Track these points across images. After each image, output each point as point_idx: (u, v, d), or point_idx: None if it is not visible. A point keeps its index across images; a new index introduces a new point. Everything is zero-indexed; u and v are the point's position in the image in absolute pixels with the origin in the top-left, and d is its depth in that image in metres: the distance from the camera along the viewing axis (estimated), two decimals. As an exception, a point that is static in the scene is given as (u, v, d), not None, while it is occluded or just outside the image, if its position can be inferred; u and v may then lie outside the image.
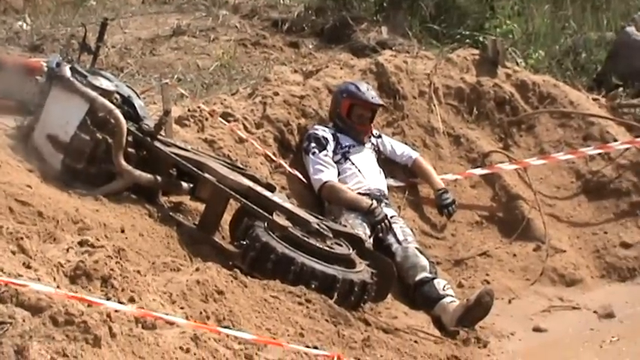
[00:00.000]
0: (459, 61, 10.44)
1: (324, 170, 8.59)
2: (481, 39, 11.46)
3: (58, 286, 4.79)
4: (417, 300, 7.82)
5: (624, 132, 10.03)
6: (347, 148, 8.73)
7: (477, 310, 7.47)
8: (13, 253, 5.06)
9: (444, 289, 7.78)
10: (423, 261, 7.95)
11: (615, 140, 9.81)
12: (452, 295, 7.80)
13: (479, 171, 9.54)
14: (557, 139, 9.83)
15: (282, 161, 8.81)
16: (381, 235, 8.20)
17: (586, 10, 13.39)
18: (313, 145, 8.68)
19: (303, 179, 8.73)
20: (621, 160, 9.53)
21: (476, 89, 10.09)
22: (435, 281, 7.83)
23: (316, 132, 8.85)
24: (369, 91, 8.97)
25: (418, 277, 7.82)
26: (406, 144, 9.40)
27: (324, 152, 8.66)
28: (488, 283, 8.42)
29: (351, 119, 8.83)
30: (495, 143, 9.82)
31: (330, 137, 8.77)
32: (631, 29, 11.41)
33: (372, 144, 8.99)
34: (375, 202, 8.47)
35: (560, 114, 10.09)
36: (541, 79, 10.56)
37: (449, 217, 8.96)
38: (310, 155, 8.71)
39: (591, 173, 9.56)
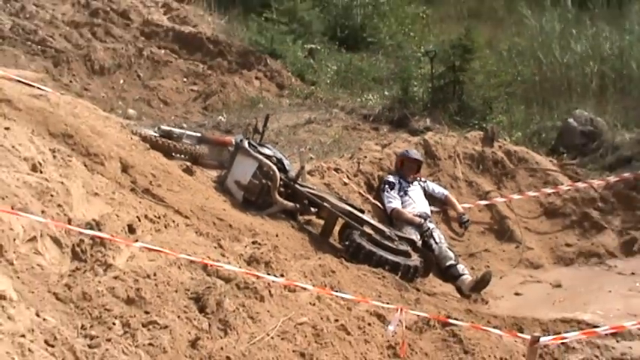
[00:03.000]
0: (471, 138, 12.73)
1: (392, 201, 10.85)
2: (484, 125, 13.89)
3: (240, 267, 6.32)
4: (447, 277, 10.22)
5: (567, 179, 12.35)
6: (405, 187, 11.06)
7: (482, 283, 9.91)
8: (215, 247, 6.79)
9: (462, 271, 10.25)
10: (451, 254, 10.42)
11: (562, 184, 12.14)
12: (467, 274, 10.20)
13: (483, 202, 11.80)
14: (529, 183, 12.24)
15: (368, 196, 11.05)
16: (426, 239, 10.53)
17: (544, 108, 15.56)
18: (386, 186, 11.04)
19: (381, 206, 10.97)
20: (565, 196, 11.99)
21: (481, 155, 12.44)
22: (458, 266, 10.31)
23: (388, 178, 11.17)
24: (413, 152, 11.48)
25: (448, 263, 10.31)
26: (441, 186, 11.68)
27: (393, 190, 10.96)
28: (488, 267, 10.74)
29: (404, 169, 11.28)
30: (493, 186, 12.18)
31: (395, 181, 11.10)
32: (571, 120, 13.86)
33: (421, 185, 11.20)
34: (422, 220, 10.75)
35: (530, 169, 12.49)
36: (519, 149, 12.83)
37: (465, 229, 11.23)
38: (384, 192, 10.99)
39: (548, 203, 12.03)
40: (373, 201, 11.02)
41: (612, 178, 12.04)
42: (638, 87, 15.77)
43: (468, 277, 10.14)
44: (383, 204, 11.04)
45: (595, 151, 13.34)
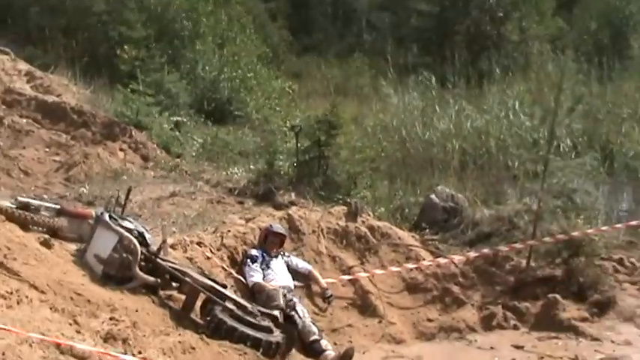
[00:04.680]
0: (335, 213, 12.83)
1: (254, 275, 10.73)
2: (348, 200, 13.75)
3: (95, 344, 6.19)
4: (310, 352, 10.06)
5: (429, 255, 12.59)
6: (268, 261, 11.00)
7: (345, 358, 9.88)
8: (70, 324, 6.60)
9: (325, 346, 10.14)
10: (315, 328, 10.28)
11: (424, 259, 12.35)
12: (330, 350, 10.09)
13: (346, 277, 11.80)
14: (391, 259, 12.33)
15: (231, 270, 10.90)
16: (289, 311, 10.40)
17: (407, 184, 15.95)
18: (248, 260, 10.93)
19: (244, 281, 10.78)
20: (427, 271, 12.16)
21: (345, 229, 12.51)
22: (322, 341, 10.18)
23: (250, 252, 11.05)
24: (276, 226, 11.50)
25: (311, 338, 10.16)
26: (305, 261, 11.66)
27: (255, 264, 10.86)
28: (351, 342, 10.71)
29: (267, 243, 11.25)
30: (356, 261, 12.24)
31: (258, 254, 10.99)
32: (433, 196, 14.24)
33: (284, 260, 11.22)
34: (285, 290, 10.66)
35: (393, 244, 12.60)
36: (382, 224, 12.94)
37: (329, 304, 11.23)
38: (246, 266, 10.93)
39: (410, 279, 12.14)
40: (236, 275, 10.89)
41: (472, 254, 12.38)
42: (497, 164, 16.37)
43: (331, 353, 10.09)
44: (245, 278, 10.94)
45: (456, 226, 13.75)
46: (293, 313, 10.49)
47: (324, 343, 10.26)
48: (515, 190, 15.40)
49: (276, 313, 9.95)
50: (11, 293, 6.79)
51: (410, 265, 12.20)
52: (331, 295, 11.31)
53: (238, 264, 11.18)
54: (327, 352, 10.10)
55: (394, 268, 12.11)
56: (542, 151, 13.67)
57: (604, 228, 13.35)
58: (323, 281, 11.49)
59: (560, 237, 12.39)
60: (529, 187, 13.87)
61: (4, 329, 5.49)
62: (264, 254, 11.12)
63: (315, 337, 10.28)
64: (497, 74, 26.67)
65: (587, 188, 13.64)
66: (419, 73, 25.90)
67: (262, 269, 10.93)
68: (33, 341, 5.61)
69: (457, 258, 12.33)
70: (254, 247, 11.34)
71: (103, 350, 6.02)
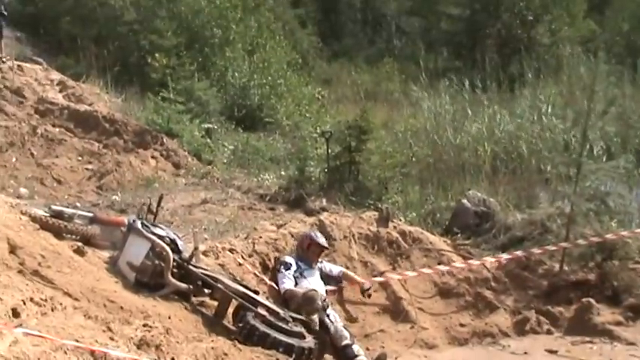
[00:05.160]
0: (366, 218, 12.78)
1: (286, 282, 10.67)
2: (379, 206, 13.82)
3: (129, 351, 6.20)
4: (342, 358, 10.07)
5: (461, 259, 12.46)
6: (303, 270, 10.89)
7: None
8: (104, 331, 6.59)
9: (358, 352, 10.09)
10: (346, 333, 10.23)
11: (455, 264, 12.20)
12: (363, 355, 10.09)
13: (378, 279, 11.74)
14: (423, 263, 12.24)
15: (263, 276, 10.89)
16: (322, 317, 10.30)
17: (439, 189, 15.86)
18: (282, 266, 10.85)
19: (275, 287, 10.73)
20: (459, 276, 12.14)
21: (376, 235, 12.46)
22: (354, 346, 10.12)
23: (284, 258, 10.96)
24: (322, 238, 11.26)
25: (343, 343, 10.11)
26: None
27: (288, 271, 10.78)
28: (383, 347, 10.73)
29: (308, 253, 11.09)
30: (387, 266, 12.20)
31: (292, 262, 10.90)
32: (465, 201, 14.07)
33: (318, 266, 11.16)
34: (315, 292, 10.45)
35: (424, 249, 12.55)
36: (414, 229, 12.92)
37: (369, 297, 11.20)
38: (279, 272, 10.86)
39: (442, 284, 12.09)
40: (269, 282, 10.90)
41: (505, 256, 12.30)
42: (529, 168, 16.21)
43: (363, 359, 10.11)
44: (277, 284, 10.91)
45: (488, 231, 13.55)
46: (325, 317, 10.45)
47: (356, 348, 10.22)
48: (548, 194, 15.17)
49: (315, 317, 10.04)
50: (45, 300, 6.80)
51: (442, 267, 12.19)
52: (370, 287, 11.31)
53: (270, 270, 11.18)
54: (359, 358, 10.09)
55: (426, 270, 12.09)
56: (575, 154, 13.60)
57: (638, 230, 13.05)
58: (358, 277, 11.56)
59: (594, 240, 12.29)
60: (562, 190, 13.83)
61: (39, 336, 5.52)
62: (301, 263, 11.04)
63: (347, 341, 10.23)
64: (529, 77, 26.35)
65: (620, 191, 13.55)
66: (449, 77, 25.71)
67: (295, 277, 10.86)
68: (67, 348, 5.61)
69: (490, 260, 12.29)
70: (288, 254, 11.29)
71: (136, 357, 6.04)
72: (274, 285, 10.84)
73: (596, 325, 11.29)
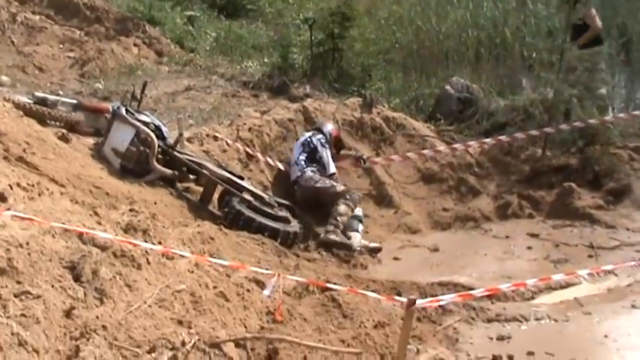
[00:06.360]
0: (350, 105, 12.93)
1: (332, 163, 11.10)
2: (363, 92, 13.94)
3: (116, 235, 6.17)
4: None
5: (444, 145, 12.55)
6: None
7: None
8: (91, 215, 6.60)
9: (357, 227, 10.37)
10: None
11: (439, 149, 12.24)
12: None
13: (365, 166, 11.81)
14: (407, 149, 12.35)
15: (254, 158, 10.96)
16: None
17: (422, 75, 15.84)
18: (327, 144, 11.17)
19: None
20: (442, 161, 12.26)
21: (360, 121, 12.63)
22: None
23: (320, 138, 11.20)
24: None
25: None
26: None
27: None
28: (367, 233, 10.71)
29: (335, 145, 11.45)
30: (371, 152, 12.29)
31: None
32: (448, 87, 14.05)
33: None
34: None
35: (408, 135, 12.75)
36: (397, 115, 13.07)
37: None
38: (323, 146, 11.17)
39: (426, 169, 12.26)
40: (273, 162, 11.26)
41: (489, 141, 12.32)
42: (512, 55, 16.08)
43: (357, 235, 10.34)
44: (319, 159, 11.16)
45: (471, 117, 13.55)
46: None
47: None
48: (531, 80, 15.07)
49: (342, 186, 10.67)
50: (32, 186, 6.82)
51: (426, 151, 12.25)
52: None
53: (253, 157, 11.10)
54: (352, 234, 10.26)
55: (411, 155, 12.17)
56: (558, 40, 13.53)
57: (620, 115, 13.19)
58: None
59: (576, 124, 12.30)
60: (544, 76, 13.69)
61: (28, 219, 5.53)
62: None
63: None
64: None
65: (603, 77, 13.45)
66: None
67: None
68: (56, 232, 5.63)
69: (473, 144, 12.32)
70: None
71: (124, 239, 6.02)
72: (280, 166, 11.26)
73: (577, 208, 11.37)
